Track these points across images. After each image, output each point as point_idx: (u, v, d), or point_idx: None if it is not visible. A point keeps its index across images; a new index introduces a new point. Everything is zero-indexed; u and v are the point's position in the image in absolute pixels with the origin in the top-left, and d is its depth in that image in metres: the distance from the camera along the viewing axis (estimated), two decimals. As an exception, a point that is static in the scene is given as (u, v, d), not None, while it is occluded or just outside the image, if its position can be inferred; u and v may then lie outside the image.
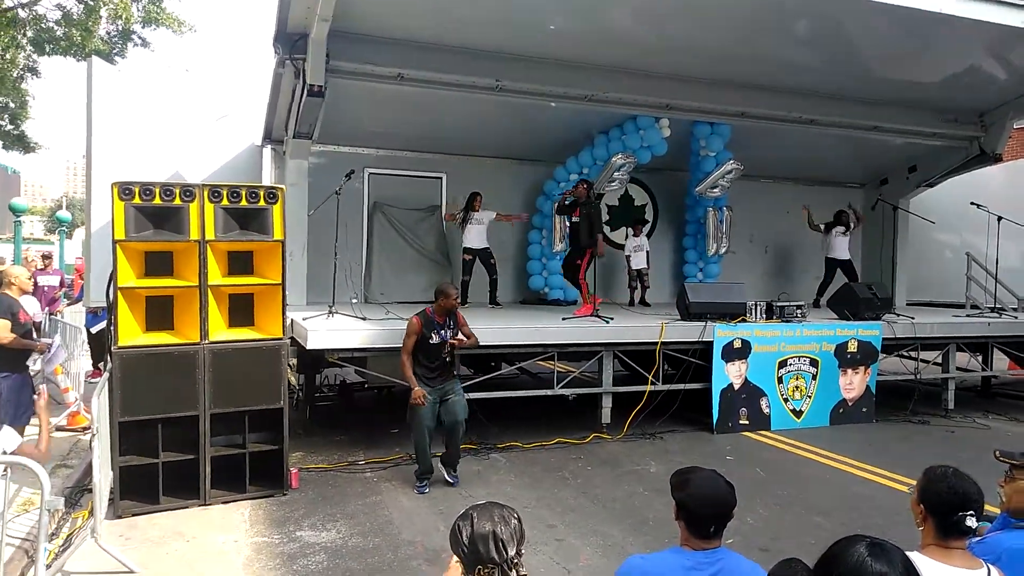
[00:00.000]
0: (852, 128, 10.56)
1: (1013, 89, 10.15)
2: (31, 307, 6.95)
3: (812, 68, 9.15)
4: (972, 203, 10.35)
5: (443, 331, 5.97)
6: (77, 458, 6.46)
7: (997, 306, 10.33)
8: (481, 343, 6.55)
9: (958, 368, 9.58)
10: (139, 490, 5.28)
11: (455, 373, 6.27)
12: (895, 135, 11.09)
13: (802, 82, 9.60)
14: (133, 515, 5.16)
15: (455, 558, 2.12)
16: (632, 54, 8.72)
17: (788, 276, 12.92)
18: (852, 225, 11.24)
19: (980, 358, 9.93)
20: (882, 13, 7.17)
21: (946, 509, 2.07)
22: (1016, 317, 9.96)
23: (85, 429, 7.20)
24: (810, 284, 11.81)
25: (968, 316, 10.05)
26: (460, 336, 6.10)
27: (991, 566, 2.10)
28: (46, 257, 12.77)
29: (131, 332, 5.29)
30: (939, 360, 9.46)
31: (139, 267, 5.38)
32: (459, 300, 6.32)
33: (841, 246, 11.16)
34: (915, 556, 1.58)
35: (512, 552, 1.95)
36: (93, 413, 4.59)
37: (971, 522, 2.08)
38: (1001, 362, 10.65)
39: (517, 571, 1.96)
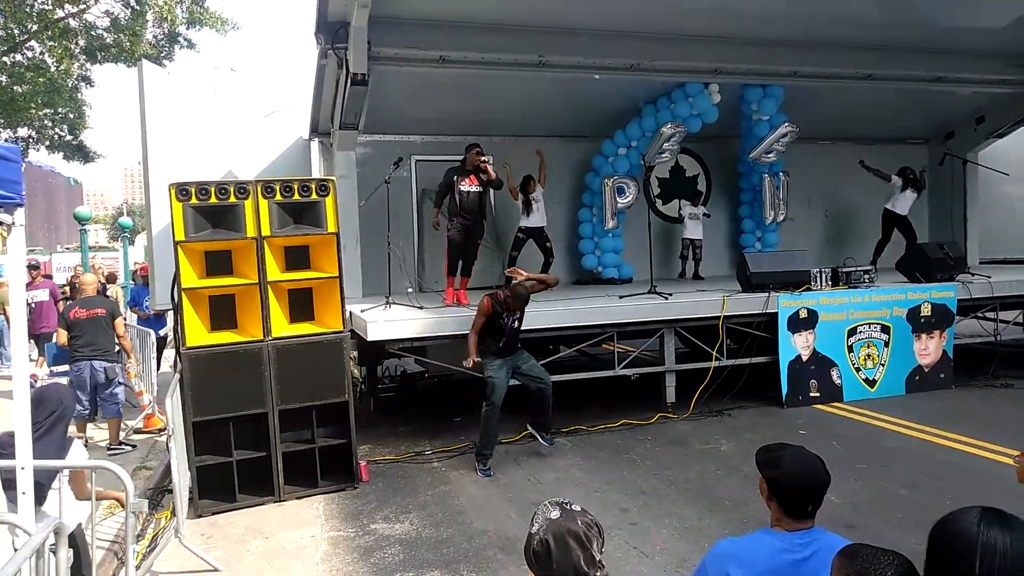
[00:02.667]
0: (913, 81, 10.05)
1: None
2: None
3: (867, 20, 8.68)
4: None
5: (513, 314, 6.04)
6: (156, 459, 6.64)
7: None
8: (538, 326, 6.63)
9: (1042, 327, 9.09)
10: (216, 488, 5.40)
11: (519, 347, 6.30)
12: (960, 85, 10.50)
13: (857, 36, 9.12)
14: (213, 514, 5.28)
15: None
16: (677, 19, 8.41)
17: (851, 240, 12.38)
18: (922, 186, 10.69)
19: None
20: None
21: None
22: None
23: (161, 431, 7.40)
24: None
25: (1049, 271, 9.53)
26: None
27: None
28: (33, 268, 10.64)
29: (198, 333, 5.38)
30: (1020, 319, 8.99)
31: (200, 267, 5.45)
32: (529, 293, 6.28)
33: (905, 203, 10.64)
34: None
35: (595, 572, 1.83)
36: (168, 414, 4.68)
37: None
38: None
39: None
